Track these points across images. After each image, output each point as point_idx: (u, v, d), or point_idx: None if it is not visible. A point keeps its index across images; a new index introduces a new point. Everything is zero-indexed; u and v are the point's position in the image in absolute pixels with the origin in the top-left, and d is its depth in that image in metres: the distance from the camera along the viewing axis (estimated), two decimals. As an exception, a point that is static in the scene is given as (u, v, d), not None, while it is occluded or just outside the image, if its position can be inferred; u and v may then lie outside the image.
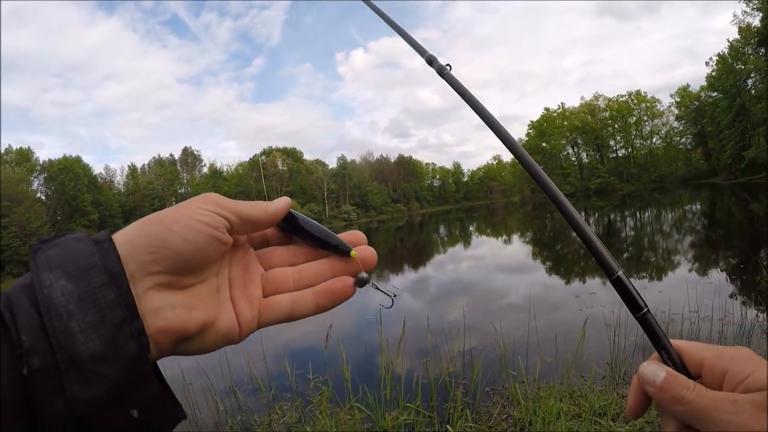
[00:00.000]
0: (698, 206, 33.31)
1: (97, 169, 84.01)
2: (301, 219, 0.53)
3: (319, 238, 0.52)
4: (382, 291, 0.55)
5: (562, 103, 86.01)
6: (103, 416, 0.36)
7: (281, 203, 0.51)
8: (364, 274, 0.52)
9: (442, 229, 51.65)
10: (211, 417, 5.53)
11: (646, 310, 0.51)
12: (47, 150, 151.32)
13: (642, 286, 10.28)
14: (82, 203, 62.75)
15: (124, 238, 0.41)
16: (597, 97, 79.59)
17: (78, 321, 0.36)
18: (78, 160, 67.89)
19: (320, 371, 5.01)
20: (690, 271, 11.60)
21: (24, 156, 64.71)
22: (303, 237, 0.53)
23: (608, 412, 4.24)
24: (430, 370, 5.30)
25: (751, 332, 5.92)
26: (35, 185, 63.30)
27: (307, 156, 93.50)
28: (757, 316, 6.86)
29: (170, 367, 7.95)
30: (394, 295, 0.52)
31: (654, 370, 0.47)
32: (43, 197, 61.61)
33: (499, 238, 32.86)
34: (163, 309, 0.41)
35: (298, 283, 0.52)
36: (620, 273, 0.53)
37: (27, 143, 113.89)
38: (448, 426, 3.74)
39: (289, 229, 0.54)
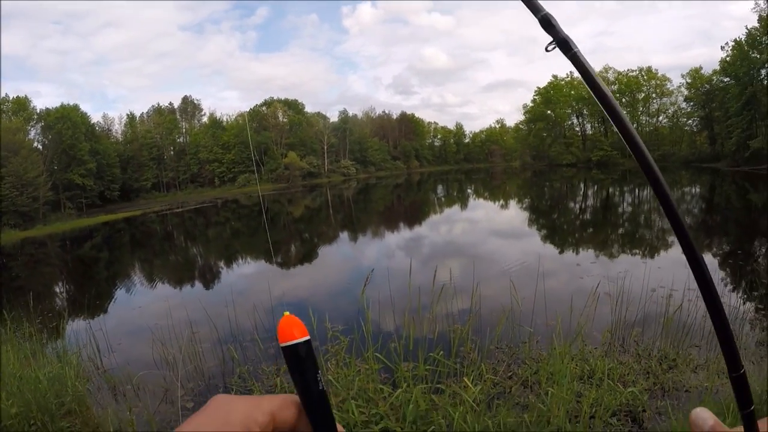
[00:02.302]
0: (698, 189, 33.49)
1: (95, 117, 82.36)
2: (311, 372, 0.46)
3: None
4: None
5: (570, 72, 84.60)
6: None
7: None
8: None
9: (439, 189, 51.82)
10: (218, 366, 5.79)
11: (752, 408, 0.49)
12: (45, 98, 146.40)
13: (638, 260, 10.61)
14: (80, 152, 61.38)
15: None
16: (607, 69, 78.19)
17: None
18: (76, 108, 65.99)
19: (340, 320, 5.22)
20: (683, 252, 11.88)
21: (21, 105, 62.73)
22: (303, 394, 0.46)
23: (612, 376, 4.52)
24: (444, 324, 5.57)
25: (744, 317, 6.23)
26: (32, 134, 61.69)
27: (309, 109, 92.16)
28: (745, 303, 7.18)
29: (179, 317, 8.23)
30: None
31: (705, 415, 0.49)
32: (40, 146, 60.26)
33: (497, 203, 33.06)
34: None
35: None
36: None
37: (24, 92, 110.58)
38: (465, 378, 3.98)
39: (291, 367, 0.45)
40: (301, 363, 0.44)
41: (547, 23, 0.54)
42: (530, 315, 5.89)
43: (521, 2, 0.51)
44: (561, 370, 3.98)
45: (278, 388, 4.96)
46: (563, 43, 0.54)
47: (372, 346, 4.35)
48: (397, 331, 4.99)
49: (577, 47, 0.54)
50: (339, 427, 0.47)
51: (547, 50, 0.55)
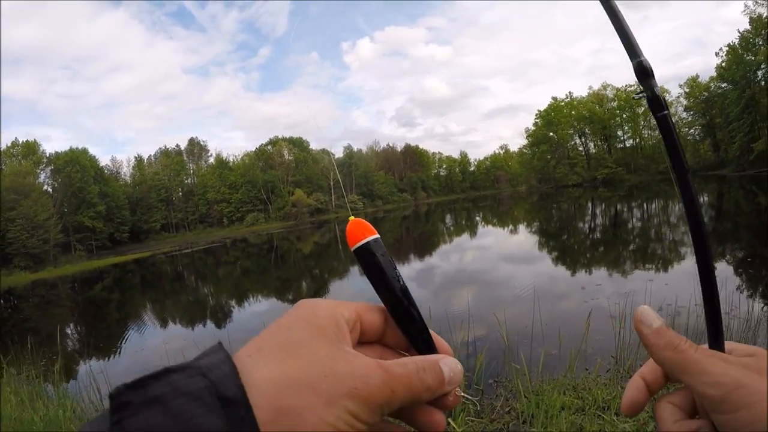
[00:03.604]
0: (706, 198, 33.04)
1: (104, 160, 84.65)
2: (388, 267, 0.43)
3: (417, 330, 0.43)
4: (467, 397, 0.46)
5: (569, 92, 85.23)
6: None
7: (447, 389, 0.41)
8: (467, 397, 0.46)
9: (448, 219, 51.58)
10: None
11: None
12: (54, 143, 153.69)
13: (648, 278, 10.22)
14: (89, 195, 62.95)
15: (261, 417, 0.31)
16: (605, 86, 78.75)
17: None
18: (84, 151, 68.03)
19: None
20: (696, 263, 11.53)
21: (30, 149, 64.73)
22: (382, 294, 0.43)
23: (612, 406, 4.22)
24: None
25: (758, 327, 5.86)
26: (42, 178, 63.63)
27: (313, 145, 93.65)
28: (763, 309, 6.81)
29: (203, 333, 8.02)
30: (479, 396, 0.44)
31: (653, 314, 0.46)
32: (50, 189, 61.90)
33: (505, 228, 32.77)
34: None
35: None
36: None
37: (34, 136, 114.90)
38: (449, 420, 3.72)
39: (366, 270, 0.43)
40: (376, 261, 0.42)
41: (644, 72, 0.50)
42: (529, 343, 5.61)
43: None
44: (555, 404, 3.70)
45: None
46: (655, 101, 0.50)
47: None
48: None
49: (668, 109, 0.50)
50: (432, 333, 0.45)
51: (633, 98, 0.52)
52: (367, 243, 0.42)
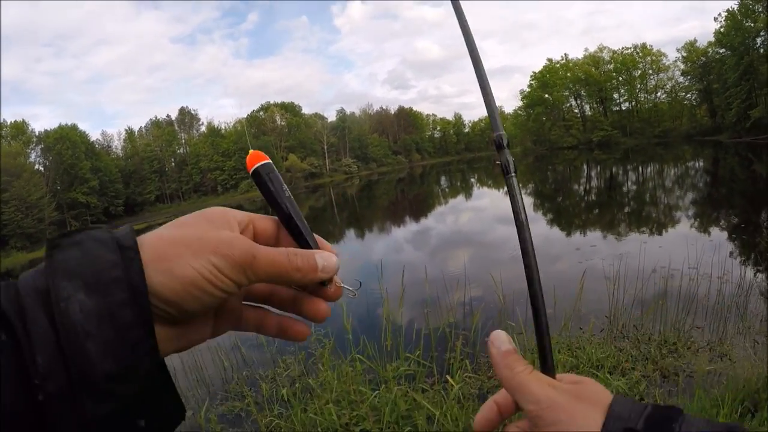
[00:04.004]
0: (701, 163, 33.08)
1: (94, 135, 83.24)
2: (276, 183, 0.50)
3: (289, 218, 0.49)
4: (348, 289, 0.51)
5: (565, 54, 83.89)
6: (111, 429, 0.36)
7: (321, 276, 0.47)
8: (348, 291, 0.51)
9: (443, 181, 51.52)
10: (218, 373, 5.64)
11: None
12: (43, 120, 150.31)
13: (642, 240, 10.32)
14: (81, 171, 61.76)
15: (145, 265, 0.39)
16: (601, 48, 77.19)
17: (95, 342, 0.35)
18: (74, 128, 66.57)
19: (322, 324, 5.04)
20: (690, 227, 11.61)
21: (19, 129, 63.33)
22: (274, 207, 0.50)
23: (605, 364, 4.31)
24: (431, 320, 5.36)
25: (749, 292, 5.95)
26: (33, 157, 62.41)
27: (306, 110, 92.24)
28: (755, 275, 6.89)
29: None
30: (358, 287, 0.50)
31: (505, 338, 0.52)
32: (42, 168, 60.93)
33: (501, 190, 32.72)
34: (161, 342, 0.40)
35: (271, 298, 0.52)
36: None
37: (23, 116, 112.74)
38: (447, 376, 3.79)
39: (260, 189, 0.50)
40: (263, 181, 0.49)
41: (500, 144, 0.59)
42: (525, 303, 5.67)
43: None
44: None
45: (271, 391, 4.78)
46: (505, 168, 0.58)
47: (354, 347, 4.18)
48: (385, 329, 4.80)
49: (516, 173, 0.59)
50: (318, 238, 0.51)
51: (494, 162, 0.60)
52: (258, 167, 0.49)
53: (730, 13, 48.99)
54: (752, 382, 3.40)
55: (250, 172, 0.50)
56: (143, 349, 0.37)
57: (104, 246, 0.38)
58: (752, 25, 45.39)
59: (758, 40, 45.24)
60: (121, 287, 0.36)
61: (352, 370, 4.06)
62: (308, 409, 3.63)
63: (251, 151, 0.51)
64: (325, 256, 0.47)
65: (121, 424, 0.37)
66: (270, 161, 0.50)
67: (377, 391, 3.66)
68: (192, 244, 0.41)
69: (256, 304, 0.53)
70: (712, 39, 55.13)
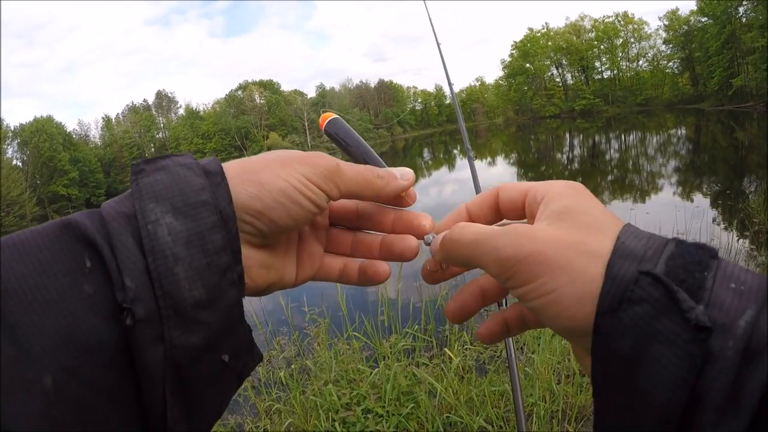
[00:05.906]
0: (683, 131, 33.34)
1: (71, 125, 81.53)
2: (344, 132, 0.52)
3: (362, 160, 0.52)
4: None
5: (546, 23, 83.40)
6: (198, 362, 0.35)
7: (402, 184, 0.48)
8: (430, 236, 0.49)
9: (425, 153, 51.37)
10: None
11: None
12: (17, 114, 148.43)
13: (628, 206, 10.42)
14: (60, 163, 60.63)
15: (231, 181, 0.39)
16: (583, 17, 77.08)
17: (184, 266, 0.34)
18: (49, 119, 64.91)
19: (316, 303, 4.98)
20: (674, 194, 11.70)
21: None
22: (348, 155, 0.52)
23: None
24: (423, 293, 5.33)
25: (737, 256, 6.02)
26: (9, 153, 61.43)
27: (285, 87, 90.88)
28: (738, 240, 6.98)
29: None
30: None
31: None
32: (20, 163, 59.96)
33: (484, 160, 32.75)
34: (248, 268, 0.39)
35: (353, 249, 0.51)
36: None
37: None
38: (446, 349, 3.77)
39: (333, 140, 0.53)
40: (333, 133, 0.52)
41: None
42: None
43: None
44: (547, 329, 3.77)
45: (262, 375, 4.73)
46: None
47: (350, 325, 4.14)
48: (382, 304, 4.76)
49: None
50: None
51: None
52: (325, 127, 0.52)
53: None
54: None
55: (323, 131, 0.53)
56: (230, 276, 0.36)
57: (191, 170, 0.37)
58: (735, -7, 45.39)
59: (740, 9, 45.26)
60: (210, 210, 0.36)
61: (349, 348, 4.02)
62: (307, 390, 3.58)
63: (322, 114, 0.53)
64: (401, 169, 0.48)
65: (207, 358, 0.36)
66: (337, 116, 0.53)
67: (377, 369, 3.62)
68: (276, 158, 0.42)
69: (348, 227, 0.52)
70: (694, 8, 55.11)
